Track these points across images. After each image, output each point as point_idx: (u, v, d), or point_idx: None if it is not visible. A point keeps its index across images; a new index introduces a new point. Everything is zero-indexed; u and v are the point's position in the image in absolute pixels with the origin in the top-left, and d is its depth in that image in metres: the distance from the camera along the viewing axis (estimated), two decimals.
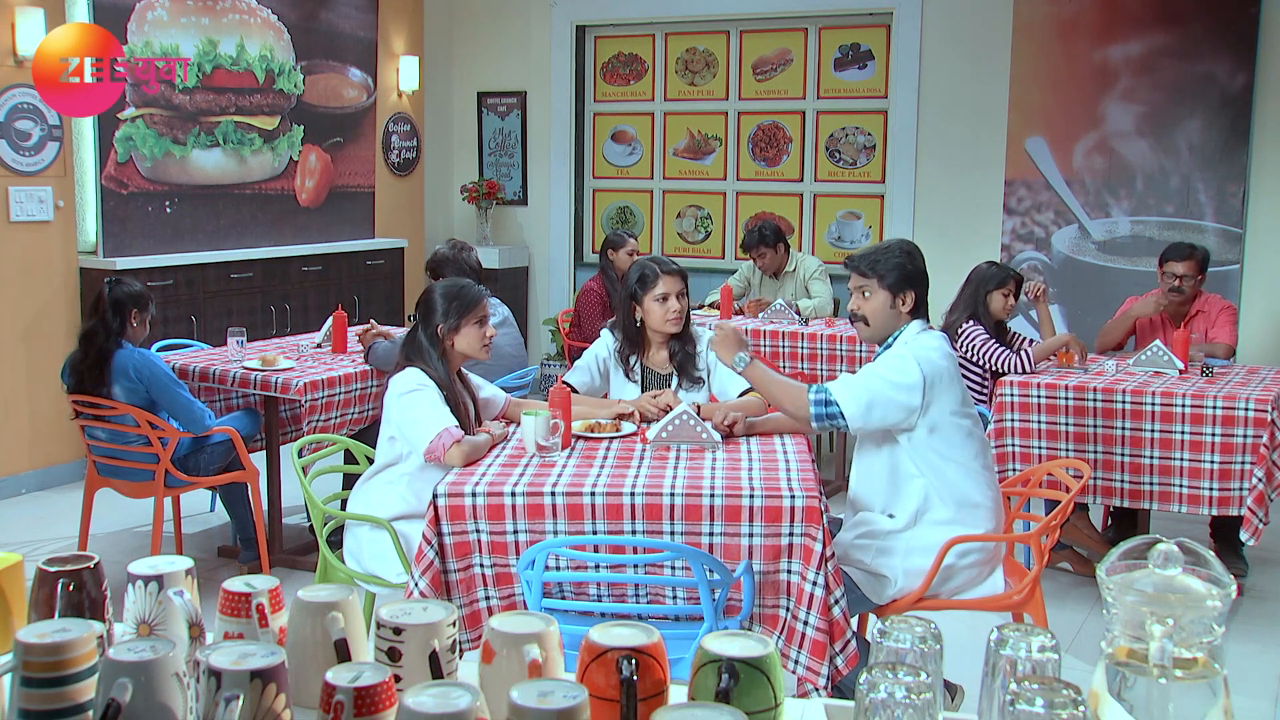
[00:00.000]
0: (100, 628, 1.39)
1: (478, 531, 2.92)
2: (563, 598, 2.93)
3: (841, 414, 3.12)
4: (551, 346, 8.29)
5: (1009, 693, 1.25)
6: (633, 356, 3.88)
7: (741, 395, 3.77)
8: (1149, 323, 5.31)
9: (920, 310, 3.28)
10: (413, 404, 3.42)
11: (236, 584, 1.57)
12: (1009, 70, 7.06)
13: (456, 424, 3.36)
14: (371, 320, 5.18)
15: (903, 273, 3.24)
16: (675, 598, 2.95)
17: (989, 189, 7.20)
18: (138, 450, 4.40)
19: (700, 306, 6.56)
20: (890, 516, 3.20)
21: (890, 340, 3.28)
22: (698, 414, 3.38)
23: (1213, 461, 4.30)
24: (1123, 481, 4.45)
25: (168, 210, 6.48)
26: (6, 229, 5.70)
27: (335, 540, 3.71)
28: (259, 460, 4.77)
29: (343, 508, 3.72)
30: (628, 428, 3.51)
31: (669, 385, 3.83)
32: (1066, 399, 4.51)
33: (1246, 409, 4.25)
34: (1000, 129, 7.12)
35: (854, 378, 3.20)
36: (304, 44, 7.24)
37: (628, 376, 3.87)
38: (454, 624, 1.49)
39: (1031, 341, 5.11)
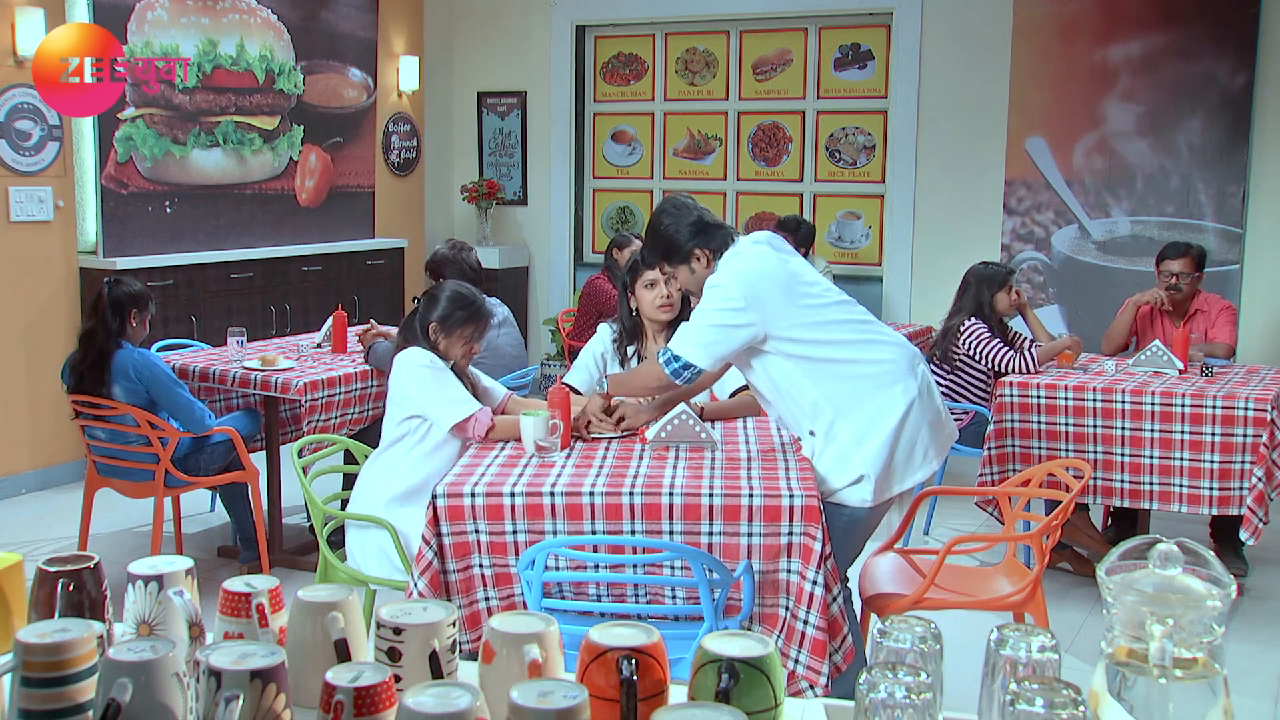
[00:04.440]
0: (100, 628, 1.39)
1: (477, 532, 2.92)
2: (562, 598, 2.93)
3: (690, 364, 3.14)
4: (551, 346, 8.28)
5: (1009, 693, 1.25)
6: (631, 346, 3.92)
7: (733, 395, 3.78)
8: (1149, 322, 5.31)
9: (723, 249, 3.25)
10: (433, 379, 3.49)
11: (236, 584, 1.57)
12: (1009, 70, 7.06)
13: (484, 408, 3.45)
14: (371, 320, 5.17)
15: (677, 241, 3.26)
16: (675, 598, 2.95)
17: (989, 189, 7.20)
18: (138, 450, 4.40)
19: None
20: (811, 434, 3.16)
21: None
22: (697, 414, 3.38)
23: (1212, 461, 4.30)
24: (1123, 481, 4.45)
25: (168, 210, 6.48)
26: (6, 229, 5.70)
27: (335, 540, 3.71)
28: (259, 460, 4.77)
29: (343, 508, 3.72)
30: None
31: None
32: (1066, 399, 4.50)
33: (1246, 408, 4.25)
34: (1000, 129, 7.12)
35: (689, 326, 3.19)
36: (304, 44, 7.24)
37: (623, 367, 3.89)
38: (454, 624, 1.49)
39: (1034, 342, 5.09)
